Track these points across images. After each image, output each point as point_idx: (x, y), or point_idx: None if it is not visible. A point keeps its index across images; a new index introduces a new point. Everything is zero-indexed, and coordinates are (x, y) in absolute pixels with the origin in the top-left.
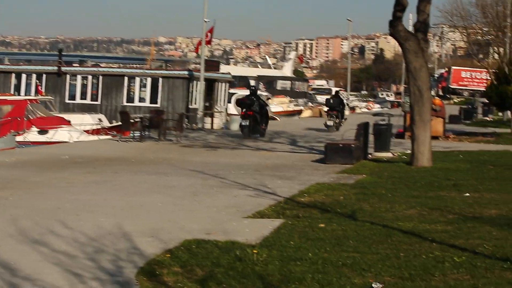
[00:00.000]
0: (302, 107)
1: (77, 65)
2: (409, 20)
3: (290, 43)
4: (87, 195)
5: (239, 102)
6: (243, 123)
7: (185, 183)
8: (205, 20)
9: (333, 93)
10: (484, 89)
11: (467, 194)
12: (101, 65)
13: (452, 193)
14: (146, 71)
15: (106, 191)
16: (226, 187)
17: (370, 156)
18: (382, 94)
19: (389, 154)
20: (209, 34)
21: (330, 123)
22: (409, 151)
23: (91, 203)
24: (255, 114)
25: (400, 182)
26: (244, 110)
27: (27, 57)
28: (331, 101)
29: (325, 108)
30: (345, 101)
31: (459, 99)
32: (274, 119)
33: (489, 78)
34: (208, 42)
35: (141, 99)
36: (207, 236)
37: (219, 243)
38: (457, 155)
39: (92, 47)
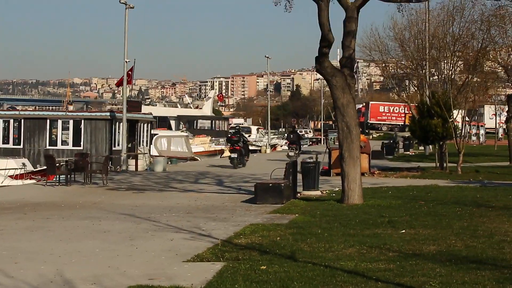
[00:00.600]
0: (223, 147)
1: None
2: (337, 55)
3: (206, 82)
4: (22, 242)
5: (228, 139)
6: (232, 156)
7: (119, 227)
8: (126, 60)
9: (290, 129)
10: (403, 123)
11: (403, 231)
12: (18, 107)
13: (388, 230)
14: (68, 113)
15: (41, 237)
16: (161, 231)
17: (299, 194)
18: (301, 132)
19: (318, 192)
20: (130, 73)
21: (291, 153)
22: (337, 189)
23: (28, 250)
24: (241, 149)
25: (334, 220)
26: (233, 145)
27: None
28: (291, 136)
29: (284, 141)
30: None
31: (377, 134)
32: (195, 159)
33: (408, 112)
34: (130, 82)
35: (64, 142)
36: (151, 281)
37: None
38: (386, 191)
39: (7, 90)
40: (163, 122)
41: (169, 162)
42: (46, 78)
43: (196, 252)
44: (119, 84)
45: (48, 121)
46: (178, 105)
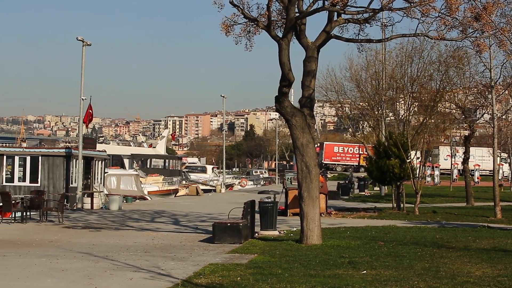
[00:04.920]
0: (177, 186)
1: None
2: (291, 96)
3: (160, 121)
4: None
5: None
6: None
7: (77, 266)
8: (82, 98)
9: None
10: (357, 164)
11: (365, 272)
12: None
13: (349, 270)
14: (25, 149)
15: None
16: (120, 270)
17: (257, 234)
18: (256, 171)
19: (275, 232)
20: (90, 111)
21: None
22: (295, 229)
23: None
24: None
25: (294, 261)
26: None
27: None
28: None
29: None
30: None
31: (332, 175)
32: (145, 199)
33: (363, 152)
34: (90, 119)
35: (21, 179)
36: None
37: None
38: (345, 232)
39: None
40: (116, 161)
41: (125, 201)
42: None
43: None
44: (88, 122)
45: (4, 157)
46: (132, 143)
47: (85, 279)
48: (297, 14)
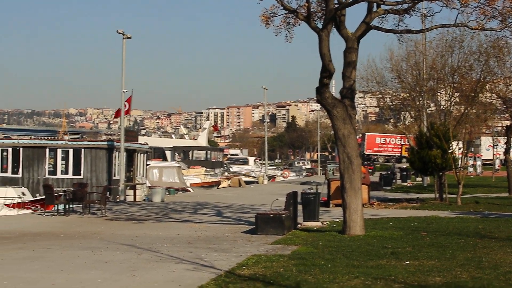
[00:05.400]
0: (219, 178)
1: None
2: (333, 87)
3: (201, 113)
4: (23, 272)
5: None
6: None
7: (120, 257)
8: (123, 90)
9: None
10: (399, 154)
11: (407, 262)
12: (13, 137)
13: (392, 261)
14: (68, 142)
15: (42, 267)
16: (163, 261)
17: (300, 225)
18: (298, 163)
19: (318, 223)
20: (127, 104)
21: None
22: (337, 220)
23: (30, 281)
24: None
25: (337, 251)
26: None
27: None
28: None
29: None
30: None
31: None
32: (187, 190)
33: (405, 143)
34: (127, 112)
35: (63, 171)
36: None
37: None
38: (387, 222)
39: (3, 120)
40: (158, 153)
41: (167, 193)
42: (42, 108)
43: (199, 283)
44: (117, 115)
45: (47, 149)
46: (173, 136)
47: (128, 271)
48: (337, 5)
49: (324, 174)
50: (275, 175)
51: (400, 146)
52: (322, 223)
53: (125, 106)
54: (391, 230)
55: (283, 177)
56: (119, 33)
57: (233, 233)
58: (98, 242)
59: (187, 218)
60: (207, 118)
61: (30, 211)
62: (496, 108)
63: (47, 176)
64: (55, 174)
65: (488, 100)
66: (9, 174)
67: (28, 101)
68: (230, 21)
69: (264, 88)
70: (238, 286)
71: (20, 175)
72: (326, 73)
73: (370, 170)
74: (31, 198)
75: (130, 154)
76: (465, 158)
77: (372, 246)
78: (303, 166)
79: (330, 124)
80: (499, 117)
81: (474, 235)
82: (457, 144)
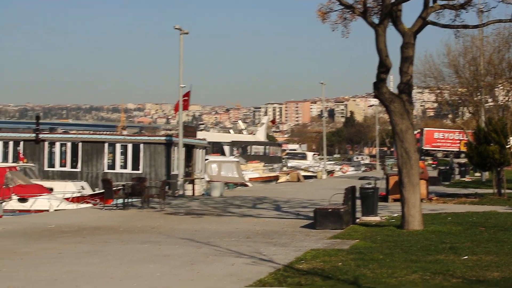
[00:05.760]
0: (277, 172)
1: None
2: (390, 82)
3: (260, 108)
4: (82, 266)
5: None
6: None
7: (179, 251)
8: (181, 85)
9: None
10: (458, 150)
11: (466, 257)
12: (71, 132)
13: (450, 256)
14: (127, 137)
15: (100, 261)
16: (221, 255)
17: (358, 220)
18: (357, 158)
19: (377, 218)
20: (185, 99)
21: None
22: (396, 214)
23: (88, 274)
24: None
25: (395, 246)
26: None
27: None
28: None
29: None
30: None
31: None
32: (246, 185)
33: (463, 138)
34: (186, 107)
35: (122, 166)
36: None
37: None
38: (445, 217)
39: (61, 115)
40: (216, 148)
41: (226, 188)
42: (100, 104)
43: (258, 277)
44: (176, 110)
45: (106, 144)
46: (231, 131)
47: (188, 265)
48: (393, 1)
49: (383, 169)
50: (333, 170)
51: (458, 141)
52: (381, 218)
53: (184, 101)
54: (449, 225)
55: (342, 172)
56: (176, 28)
57: (292, 228)
58: (157, 236)
59: (246, 213)
60: (265, 113)
61: (90, 205)
62: None
63: (106, 170)
64: (114, 169)
65: None
66: (68, 168)
67: (86, 96)
68: (287, 16)
69: (322, 83)
70: (297, 280)
71: (79, 169)
72: (383, 68)
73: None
74: (91, 192)
75: (189, 149)
76: None
77: (431, 241)
78: (362, 161)
79: (388, 119)
80: None
81: None
82: None
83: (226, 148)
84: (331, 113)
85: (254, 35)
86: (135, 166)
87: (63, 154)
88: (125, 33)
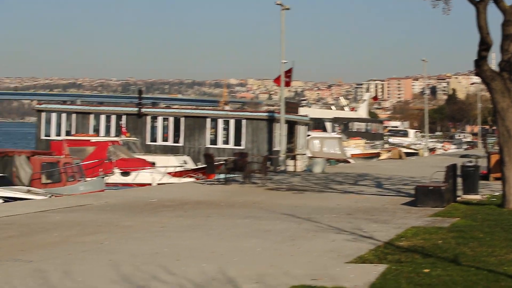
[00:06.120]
0: (379, 150)
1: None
2: (492, 60)
3: (361, 84)
4: (183, 240)
5: None
6: None
7: (280, 227)
8: (283, 61)
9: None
10: None
11: None
12: (174, 107)
13: None
14: (229, 112)
15: (202, 235)
16: (322, 231)
17: (459, 198)
18: (459, 136)
19: (478, 197)
20: (289, 75)
21: None
22: (497, 193)
23: (190, 248)
24: None
25: (496, 225)
26: None
27: (99, 99)
28: None
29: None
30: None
31: None
32: (347, 162)
33: None
34: (288, 84)
35: (224, 141)
36: (314, 282)
37: None
38: None
39: (164, 89)
40: (318, 124)
41: (328, 164)
42: (202, 79)
43: (358, 254)
44: (277, 82)
45: (209, 119)
46: (333, 107)
47: (288, 240)
48: None
49: (484, 147)
50: (435, 148)
51: None
52: (482, 197)
53: (286, 77)
54: None
55: (444, 149)
56: (278, 4)
57: (393, 205)
58: (258, 211)
59: (347, 189)
60: (367, 90)
61: (192, 179)
62: None
63: (207, 145)
64: (216, 144)
65: None
66: (170, 143)
67: (188, 71)
68: None
69: (424, 60)
70: (397, 257)
71: (181, 144)
72: (484, 45)
73: None
74: (193, 167)
75: (291, 126)
76: None
77: None
78: (463, 139)
79: (490, 98)
80: None
81: None
82: None
83: (328, 125)
84: (433, 91)
85: (356, 11)
86: (237, 141)
87: (165, 128)
88: (228, 7)
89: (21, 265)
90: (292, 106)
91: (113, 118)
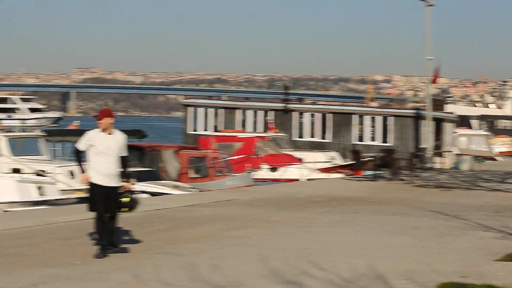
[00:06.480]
0: None
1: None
2: None
3: (507, 82)
4: (331, 235)
5: None
6: None
7: (428, 224)
8: (428, 58)
9: None
10: None
11: None
12: (319, 103)
13: None
14: (375, 109)
15: (350, 231)
16: (470, 229)
17: None
18: None
19: None
20: (436, 73)
21: None
22: None
23: (338, 244)
24: None
25: None
26: None
27: (245, 94)
28: None
29: None
30: None
31: None
32: (494, 159)
33: None
34: (434, 82)
35: (372, 138)
36: (462, 279)
37: (476, 287)
38: None
39: (309, 85)
40: (463, 121)
41: (475, 161)
42: (348, 75)
43: (507, 252)
44: (434, 81)
45: (355, 116)
46: (478, 104)
47: (436, 237)
48: None
49: None
50: None
51: None
52: None
53: (433, 75)
54: None
55: None
56: (421, 0)
57: None
58: (405, 208)
59: (495, 187)
60: None
61: (340, 175)
62: None
63: (354, 142)
64: (363, 141)
65: None
66: (317, 139)
67: (334, 67)
68: None
69: None
70: None
71: (328, 140)
72: None
73: None
74: (342, 163)
75: (437, 123)
76: None
77: None
78: None
79: None
80: None
81: None
82: None
83: (474, 122)
84: None
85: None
86: (384, 138)
87: (312, 124)
88: (369, 3)
89: (170, 258)
90: (438, 103)
91: (260, 113)
